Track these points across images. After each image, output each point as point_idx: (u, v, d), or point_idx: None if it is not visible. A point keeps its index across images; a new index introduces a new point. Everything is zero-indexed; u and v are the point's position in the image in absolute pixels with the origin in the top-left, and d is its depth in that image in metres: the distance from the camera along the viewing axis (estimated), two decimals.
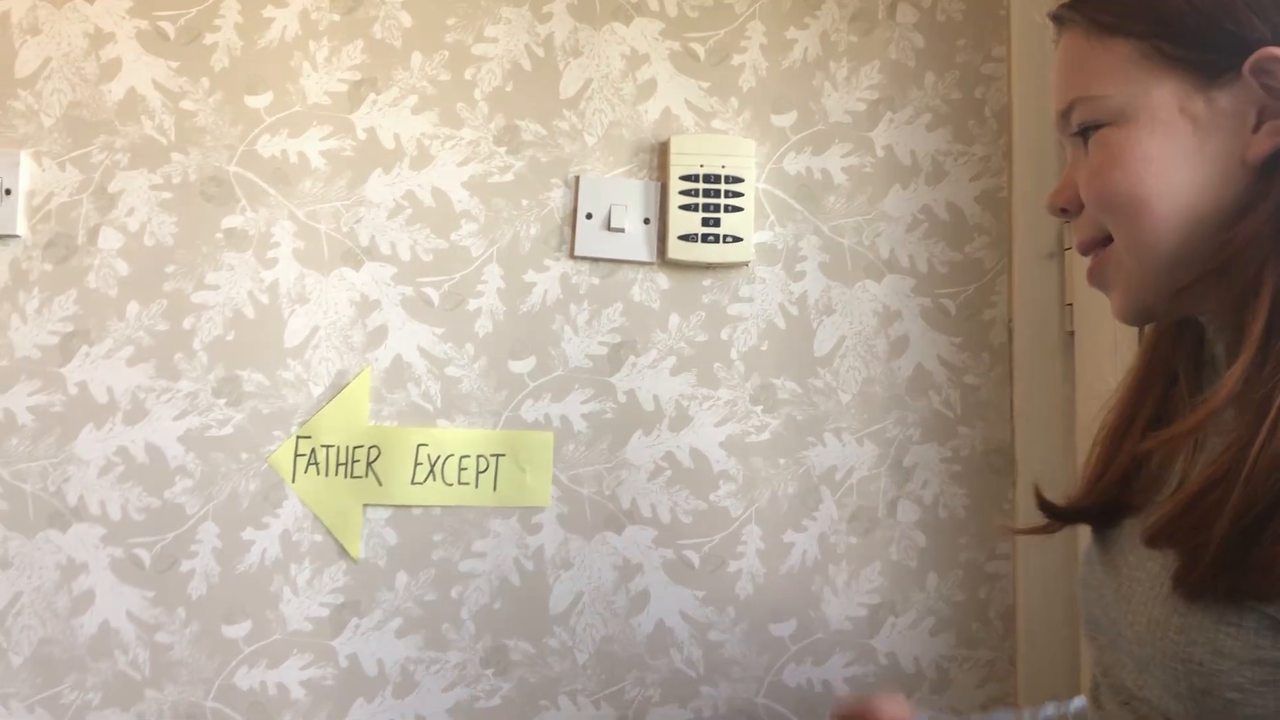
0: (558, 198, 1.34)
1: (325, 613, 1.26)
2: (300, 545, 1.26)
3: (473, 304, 1.31)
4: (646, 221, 1.33)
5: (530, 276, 1.32)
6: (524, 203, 1.33)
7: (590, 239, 1.33)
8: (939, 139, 1.39)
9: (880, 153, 1.38)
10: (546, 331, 1.32)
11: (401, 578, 1.27)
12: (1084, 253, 0.72)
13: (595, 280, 1.33)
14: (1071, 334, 1.34)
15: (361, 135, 1.30)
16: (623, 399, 1.33)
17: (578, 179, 1.33)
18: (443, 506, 1.29)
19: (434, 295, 1.31)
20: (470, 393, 1.30)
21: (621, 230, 1.32)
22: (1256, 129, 0.63)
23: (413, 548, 1.28)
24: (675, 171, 1.32)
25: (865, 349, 1.36)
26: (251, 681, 1.25)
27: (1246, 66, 0.62)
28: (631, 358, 1.33)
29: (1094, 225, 0.70)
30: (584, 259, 1.33)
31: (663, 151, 1.34)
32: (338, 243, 1.29)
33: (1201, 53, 0.64)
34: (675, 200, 1.32)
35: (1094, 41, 0.68)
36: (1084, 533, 0.78)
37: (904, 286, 1.37)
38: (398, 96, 1.31)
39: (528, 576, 1.30)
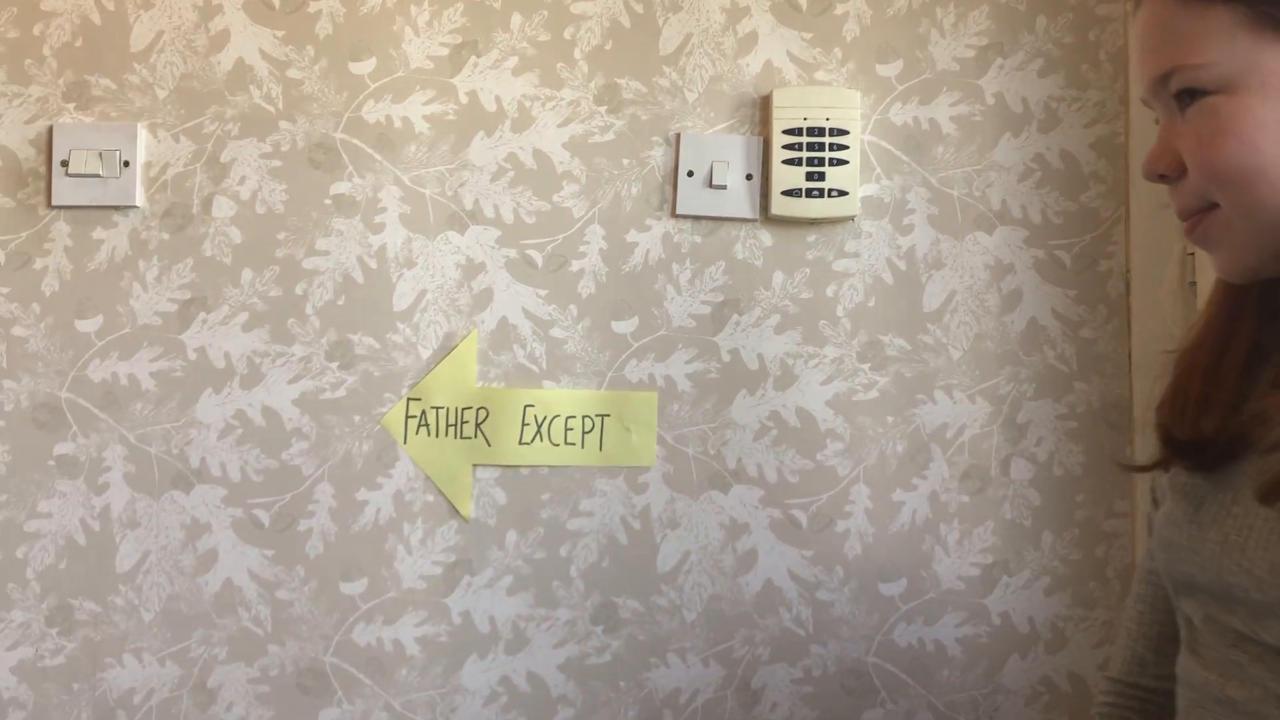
0: (658, 156, 1.32)
1: (438, 571, 1.28)
2: (413, 505, 1.28)
3: (575, 265, 1.31)
4: (749, 178, 1.31)
5: (632, 236, 1.32)
6: (625, 162, 1.32)
7: (692, 197, 1.31)
8: (1051, 85, 1.34)
9: (990, 100, 1.34)
10: (649, 291, 1.32)
11: (511, 536, 1.29)
12: (1184, 218, 0.71)
13: (697, 239, 1.32)
14: (1193, 285, 1.29)
15: (464, 99, 1.31)
16: (726, 358, 1.32)
17: (678, 136, 1.32)
18: (550, 466, 1.30)
19: (537, 257, 1.31)
20: (575, 354, 1.31)
21: (723, 187, 1.31)
22: None
23: (522, 507, 1.29)
24: (778, 125, 1.30)
25: (976, 303, 1.33)
26: (368, 638, 1.28)
27: None
28: (735, 316, 1.32)
29: (1198, 194, 0.68)
30: (685, 217, 1.32)
31: (764, 106, 1.32)
32: (443, 207, 1.30)
33: None
34: (778, 155, 1.30)
35: (1189, 8, 0.66)
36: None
37: (1016, 238, 1.33)
38: (498, 58, 1.31)
39: (635, 535, 1.30)
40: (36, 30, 1.29)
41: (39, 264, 1.27)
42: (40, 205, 1.28)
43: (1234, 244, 0.68)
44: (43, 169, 1.28)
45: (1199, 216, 0.69)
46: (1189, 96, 0.67)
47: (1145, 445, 1.30)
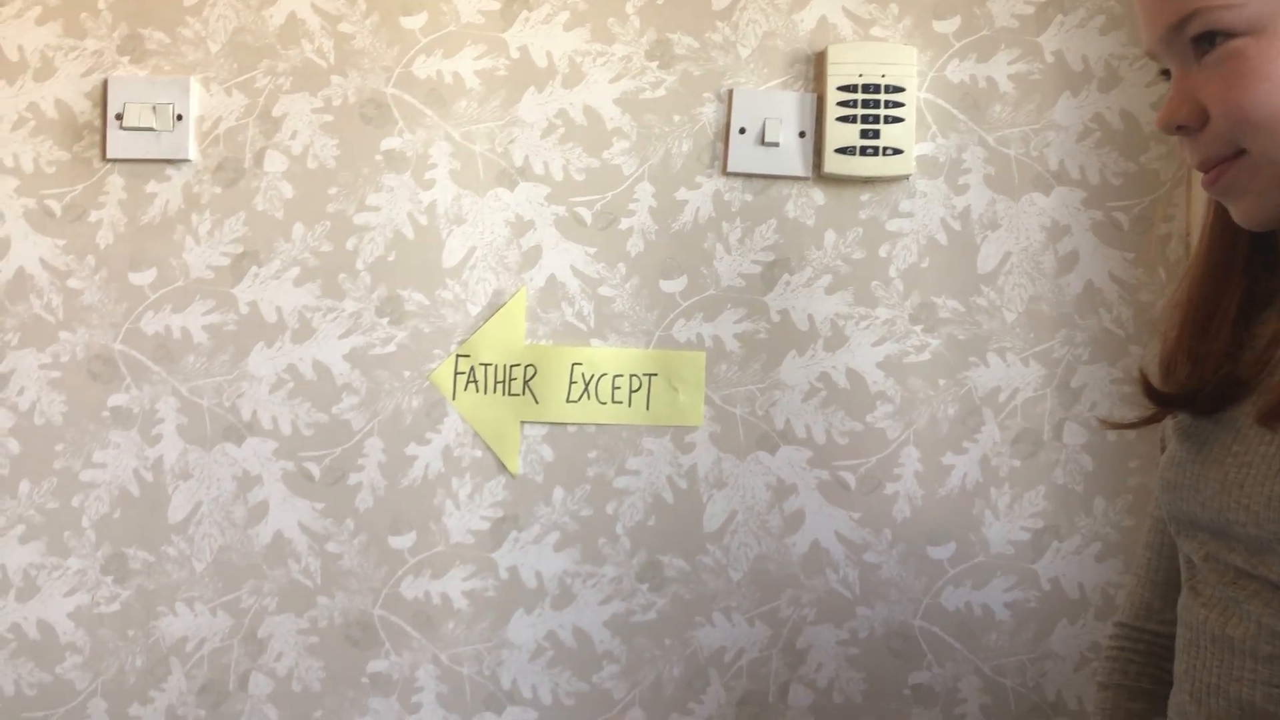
0: (710, 113, 1.31)
1: (486, 526, 1.29)
2: (461, 460, 1.29)
3: (625, 223, 1.30)
4: (802, 135, 1.30)
5: (682, 194, 1.31)
6: (676, 119, 1.31)
7: (743, 154, 1.30)
8: (1113, 43, 1.31)
9: (1049, 58, 1.31)
10: (698, 250, 1.31)
11: (558, 493, 1.29)
12: (1206, 169, 0.69)
13: (748, 197, 1.31)
14: None
15: (515, 54, 1.30)
16: (776, 319, 1.31)
17: (731, 92, 1.30)
18: (597, 424, 1.30)
19: (586, 215, 1.30)
20: (623, 312, 1.30)
21: (776, 144, 1.29)
22: None
23: (568, 464, 1.29)
24: (832, 82, 1.28)
25: (1032, 265, 1.31)
26: (416, 591, 1.29)
27: None
28: (785, 276, 1.31)
29: (1224, 140, 0.67)
30: (737, 175, 1.31)
31: (819, 62, 1.30)
32: (492, 163, 1.29)
33: None
34: (832, 112, 1.28)
35: None
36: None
37: (1074, 199, 1.31)
38: (550, 13, 1.30)
39: (681, 495, 1.30)
40: None
41: (94, 216, 1.28)
42: (95, 158, 1.29)
43: (1261, 190, 0.67)
44: (98, 122, 1.28)
45: (1224, 166, 0.68)
46: (1208, 42, 0.65)
47: None
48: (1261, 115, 0.64)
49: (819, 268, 1.31)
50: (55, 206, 1.28)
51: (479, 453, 1.29)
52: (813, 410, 1.30)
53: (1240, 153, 0.67)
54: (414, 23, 1.29)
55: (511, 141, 1.30)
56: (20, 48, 1.28)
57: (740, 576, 1.30)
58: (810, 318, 1.31)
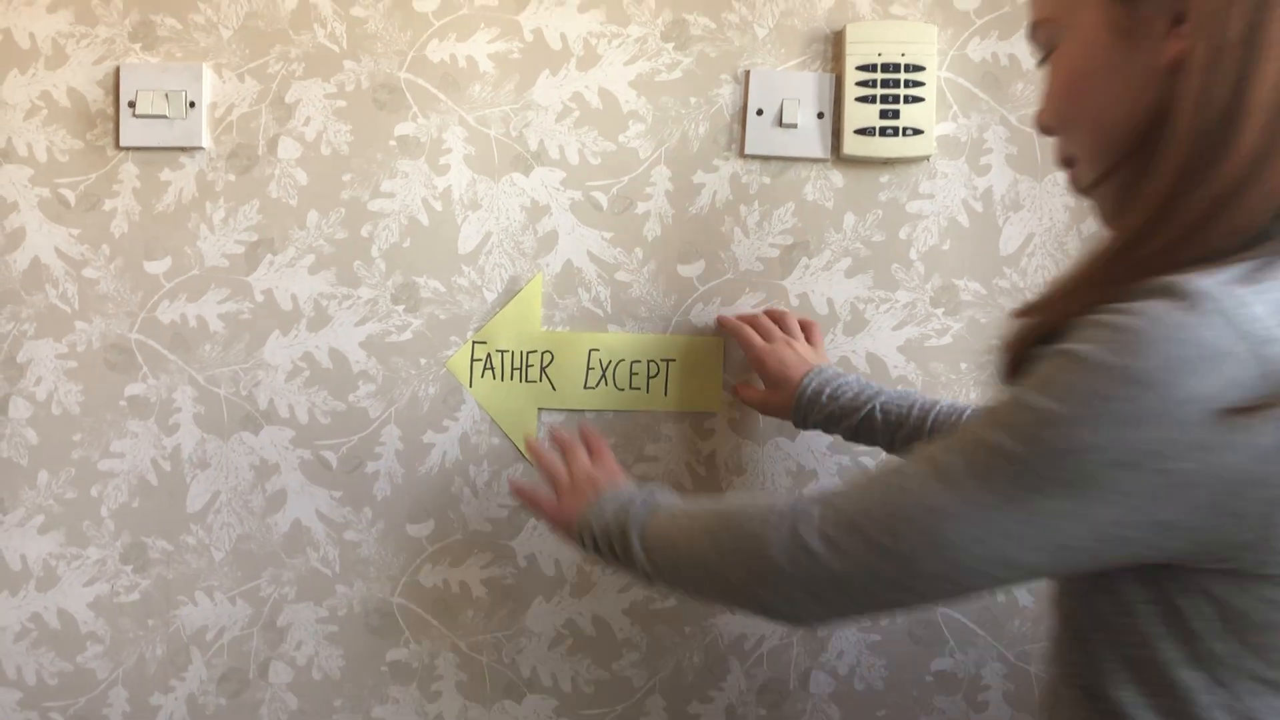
0: (727, 94, 1.29)
1: (504, 514, 1.28)
2: (479, 448, 1.28)
3: (641, 207, 1.29)
4: (820, 116, 1.28)
5: (699, 177, 1.29)
6: (692, 100, 1.29)
7: (761, 136, 1.28)
8: None
9: None
10: (716, 234, 1.29)
11: None
12: (1063, 169, 0.74)
13: (766, 179, 1.29)
14: None
15: (529, 36, 1.28)
16: (795, 302, 1.29)
17: (748, 73, 1.28)
18: (615, 410, 1.29)
19: (603, 199, 1.29)
20: (640, 297, 1.29)
21: (794, 126, 1.27)
22: (1168, 34, 0.63)
23: None
24: (851, 62, 1.26)
25: (1055, 246, 1.28)
26: (435, 579, 1.28)
27: None
28: (804, 259, 1.29)
29: (1063, 144, 0.73)
30: (754, 157, 1.29)
31: (837, 41, 1.28)
32: (507, 147, 1.28)
33: None
34: (851, 93, 1.26)
35: None
36: None
37: None
38: None
39: (700, 481, 1.29)
40: None
41: (108, 205, 1.28)
42: (108, 146, 1.28)
43: (1097, 196, 0.71)
44: (110, 110, 1.28)
45: (1071, 170, 0.73)
46: (1047, 51, 0.72)
47: None
48: (1064, 120, 0.71)
49: (838, 250, 1.29)
50: (69, 195, 1.28)
51: (496, 440, 1.28)
52: None
53: (1075, 157, 0.72)
54: (427, 5, 1.28)
55: (526, 125, 1.28)
56: (32, 35, 1.27)
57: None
58: (830, 301, 1.29)
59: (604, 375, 1.29)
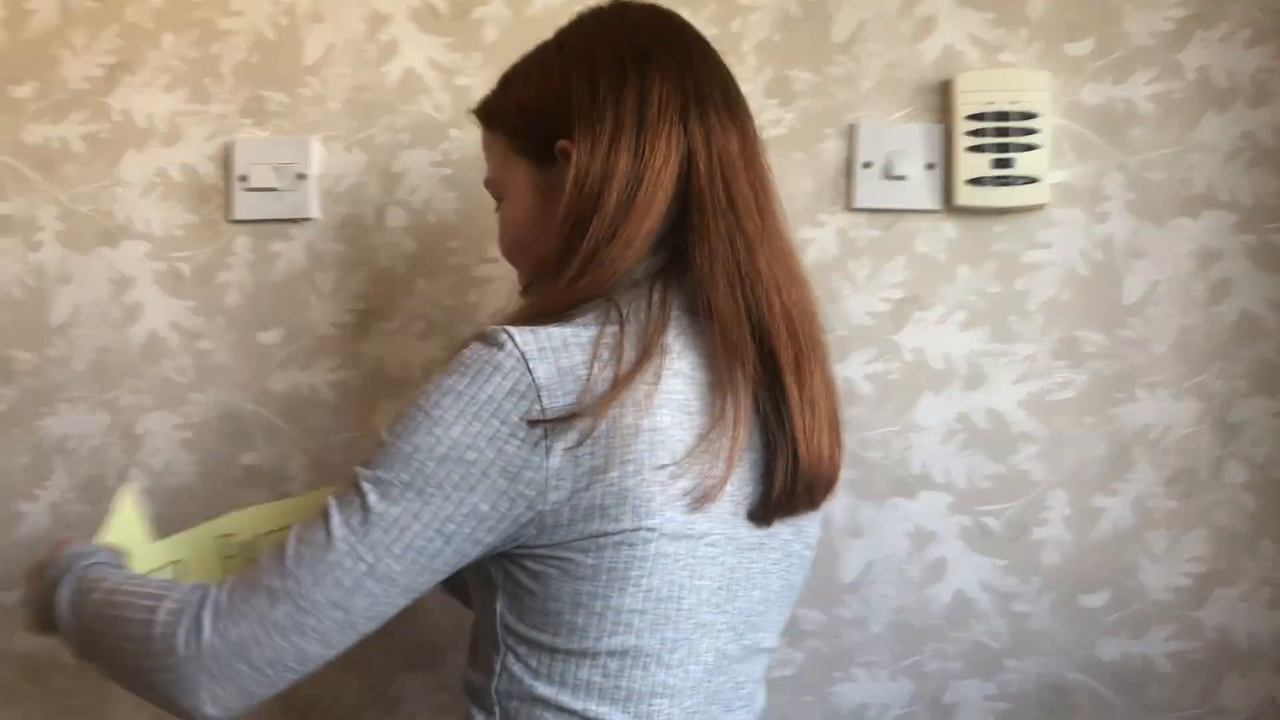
0: (831, 149, 1.27)
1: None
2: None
3: None
4: (930, 167, 1.25)
5: (806, 232, 1.27)
6: (796, 156, 1.27)
7: (869, 189, 1.26)
8: (1260, 56, 1.24)
9: (1191, 76, 1.24)
10: (823, 289, 1.26)
11: None
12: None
13: (875, 233, 1.27)
14: None
15: None
16: (909, 358, 1.26)
17: (853, 127, 1.26)
18: None
19: None
20: None
21: (903, 178, 1.25)
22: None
23: None
24: (961, 111, 1.23)
25: (1181, 294, 1.23)
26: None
27: (557, 151, 0.83)
28: (917, 313, 1.26)
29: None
30: (862, 210, 1.27)
31: (945, 91, 1.25)
32: None
33: (535, 146, 0.85)
34: (961, 142, 1.23)
35: (490, 133, 0.91)
36: None
37: (1225, 223, 1.23)
38: None
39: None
40: (214, 49, 1.31)
41: (221, 278, 1.30)
42: (220, 220, 1.30)
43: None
44: (223, 184, 1.30)
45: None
46: (499, 199, 0.91)
47: None
48: (505, 254, 0.92)
49: (952, 303, 1.26)
50: (184, 269, 1.30)
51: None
52: (952, 453, 1.25)
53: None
54: None
55: None
56: (149, 115, 1.31)
57: (880, 629, 1.25)
58: (946, 356, 1.25)
59: None
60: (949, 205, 1.25)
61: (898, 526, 1.26)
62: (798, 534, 0.86)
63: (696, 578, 0.77)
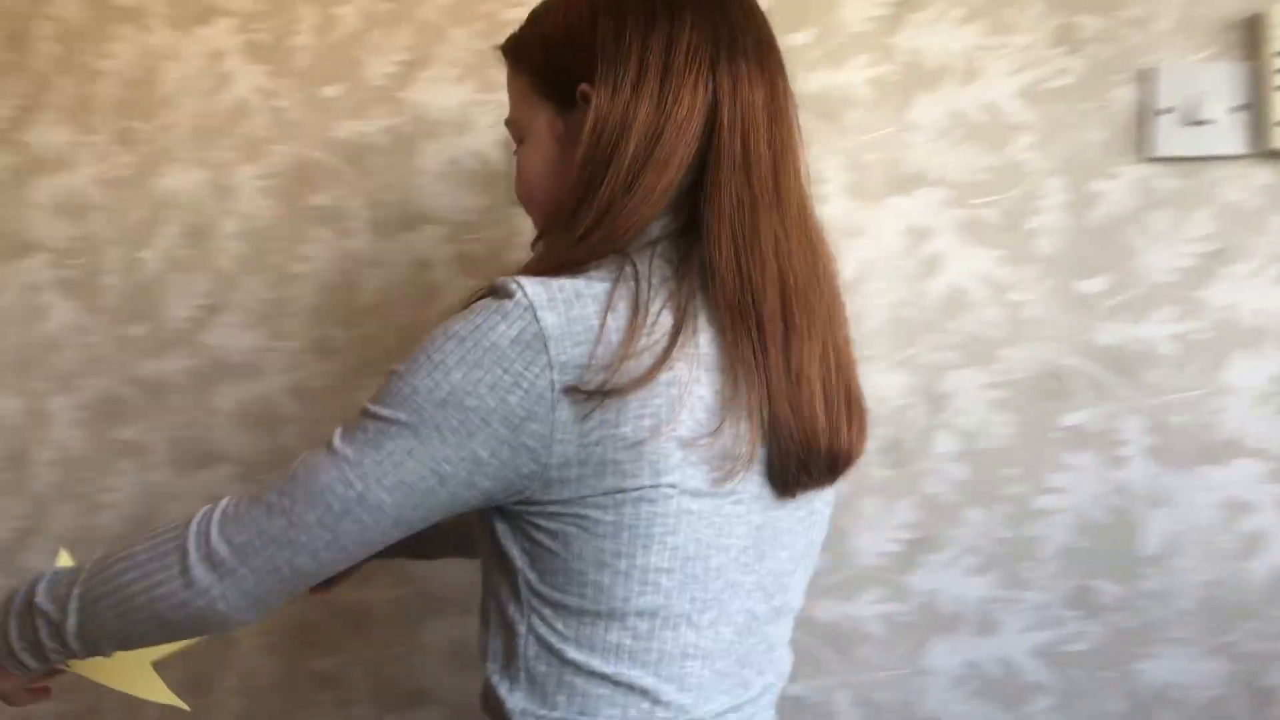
0: (1123, 96, 1.20)
1: None
2: None
3: (1032, 221, 1.22)
4: (1238, 109, 1.16)
5: (1097, 185, 1.20)
6: (1083, 106, 1.21)
7: (1169, 136, 1.18)
8: None
9: None
10: (1119, 245, 1.20)
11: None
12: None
13: (1176, 182, 1.19)
14: None
15: (905, 57, 1.25)
16: (1218, 315, 1.17)
17: (1152, 70, 1.18)
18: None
19: (991, 215, 1.23)
20: (1037, 317, 1.21)
21: (1207, 122, 1.16)
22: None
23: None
24: (1273, 47, 1.13)
25: None
26: None
27: (578, 95, 0.79)
28: (1226, 267, 1.17)
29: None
30: (1160, 159, 1.19)
31: (1254, 26, 1.16)
32: (884, 169, 1.25)
33: (556, 88, 0.81)
34: (1273, 81, 1.14)
35: (514, 71, 0.86)
36: None
37: None
38: (941, 10, 1.24)
39: (1115, 513, 1.19)
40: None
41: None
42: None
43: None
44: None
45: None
46: (518, 142, 0.86)
47: None
48: (522, 201, 0.86)
49: (1267, 256, 1.16)
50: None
51: None
52: (1268, 417, 1.15)
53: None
54: (799, 38, 1.27)
55: (904, 148, 1.25)
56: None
57: (1190, 604, 1.17)
58: (1262, 312, 1.16)
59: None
60: (1261, 149, 1.16)
61: (1206, 496, 1.17)
62: (819, 491, 0.82)
63: (724, 536, 0.75)
